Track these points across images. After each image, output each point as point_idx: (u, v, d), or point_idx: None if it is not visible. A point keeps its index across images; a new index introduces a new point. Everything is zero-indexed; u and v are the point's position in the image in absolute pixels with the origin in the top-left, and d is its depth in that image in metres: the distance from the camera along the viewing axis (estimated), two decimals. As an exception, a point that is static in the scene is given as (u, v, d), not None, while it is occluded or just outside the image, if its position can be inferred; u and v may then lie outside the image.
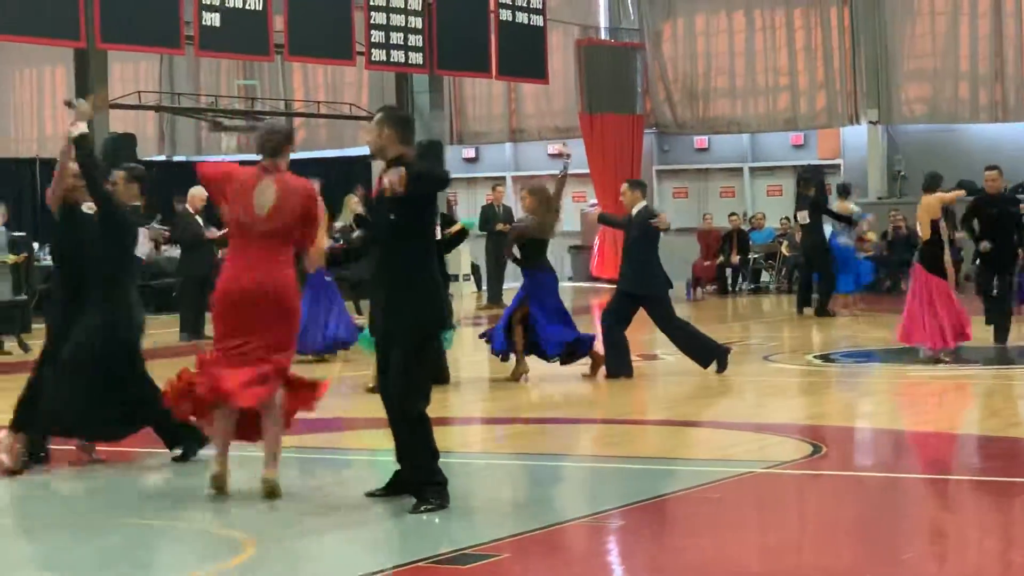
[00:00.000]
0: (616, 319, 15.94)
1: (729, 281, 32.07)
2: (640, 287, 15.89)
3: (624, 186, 16.39)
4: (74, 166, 10.73)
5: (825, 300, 24.17)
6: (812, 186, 25.05)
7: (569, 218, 36.65)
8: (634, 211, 15.99)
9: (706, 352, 15.96)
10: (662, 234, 16.25)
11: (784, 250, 31.27)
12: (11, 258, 20.52)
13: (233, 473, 11.42)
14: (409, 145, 9.07)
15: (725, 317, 26.24)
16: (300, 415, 10.04)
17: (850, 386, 16.22)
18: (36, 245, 28.37)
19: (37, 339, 22.62)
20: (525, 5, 31.93)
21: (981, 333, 18.20)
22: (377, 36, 28.93)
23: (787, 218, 31.74)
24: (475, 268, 32.47)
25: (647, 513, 9.18)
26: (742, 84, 34.94)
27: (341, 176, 27.46)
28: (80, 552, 8.76)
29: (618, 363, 15.76)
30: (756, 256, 32.21)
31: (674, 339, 16.09)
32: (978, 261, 19.14)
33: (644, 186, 16.55)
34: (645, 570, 7.89)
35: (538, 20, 32.46)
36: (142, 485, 11.16)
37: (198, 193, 22.62)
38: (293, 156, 9.37)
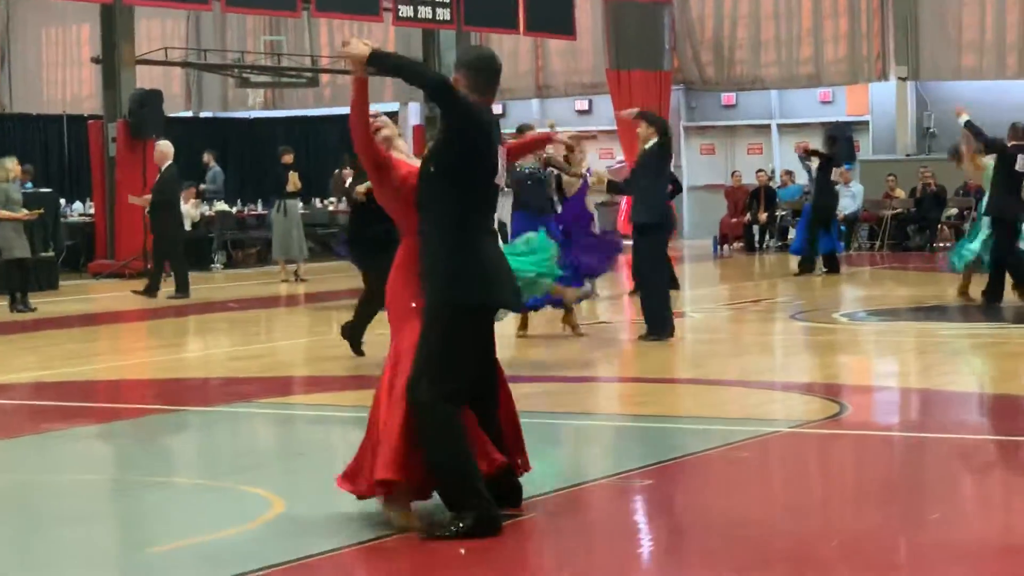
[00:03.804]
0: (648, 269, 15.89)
1: (756, 238, 31.99)
2: (637, 215, 15.74)
3: (643, 124, 16.08)
4: None
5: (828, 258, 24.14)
6: (835, 144, 24.96)
7: (596, 175, 36.58)
8: (647, 146, 15.76)
9: (656, 321, 15.48)
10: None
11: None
12: (24, 213, 20.44)
13: (264, 431, 11.47)
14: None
15: (752, 274, 26.19)
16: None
17: (877, 345, 16.17)
18: (63, 202, 28.48)
19: (64, 296, 22.77)
20: (553, -40, 31.83)
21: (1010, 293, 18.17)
22: (404, -8, 28.84)
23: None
24: (501, 225, 32.44)
25: (674, 472, 9.18)
26: (770, 41, 34.76)
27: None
28: (107, 510, 8.80)
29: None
30: (783, 213, 32.11)
31: (639, 285, 15.79)
32: None
33: (660, 123, 16.05)
34: (672, 530, 7.89)
35: (566, -25, 32.33)
36: (168, 443, 11.20)
37: (164, 148, 22.50)
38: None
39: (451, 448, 7.42)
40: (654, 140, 15.70)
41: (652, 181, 15.73)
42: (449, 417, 7.42)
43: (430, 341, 7.49)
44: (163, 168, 22.44)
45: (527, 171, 15.88)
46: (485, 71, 7.68)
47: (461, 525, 7.36)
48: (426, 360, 7.46)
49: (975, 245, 18.37)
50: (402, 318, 7.80)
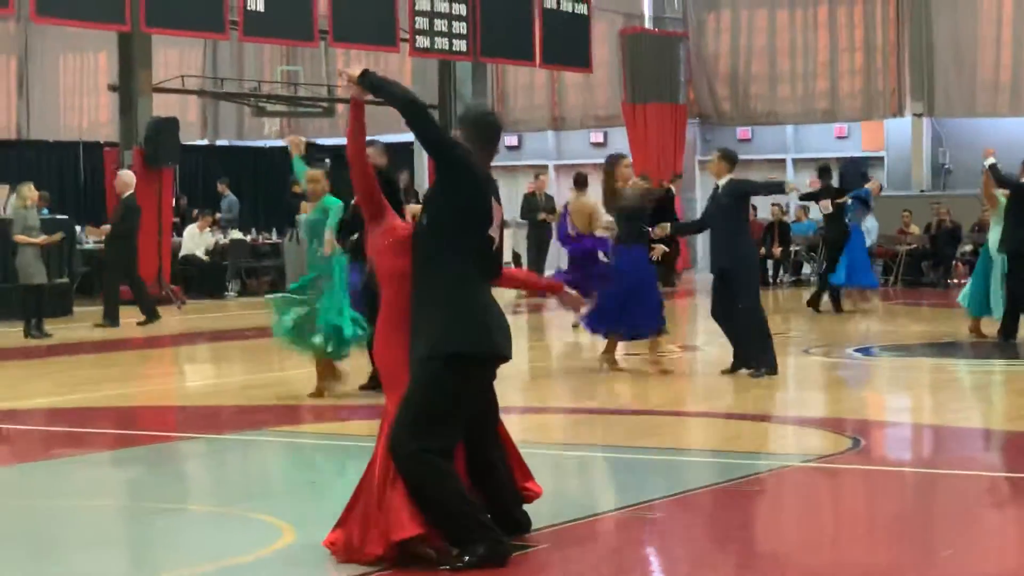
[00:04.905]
0: (723, 309, 15.35)
1: (770, 273, 31.97)
2: (726, 260, 15.15)
3: (715, 155, 15.58)
4: None
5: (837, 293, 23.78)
6: (829, 177, 24.76)
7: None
8: (722, 182, 15.45)
9: (762, 358, 15.03)
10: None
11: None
12: (43, 238, 20.52)
13: (276, 459, 11.47)
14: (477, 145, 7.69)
15: (766, 308, 26.12)
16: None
17: (890, 380, 16.15)
18: (79, 228, 28.53)
19: (79, 322, 22.79)
20: (569, -7, 31.93)
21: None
22: (421, 23, 28.94)
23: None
24: (516, 256, 32.49)
25: (685, 505, 9.17)
26: (785, 76, 34.83)
27: (383, 162, 27.49)
28: (120, 537, 8.80)
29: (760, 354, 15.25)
30: (797, 248, 32.10)
31: (745, 323, 15.19)
32: None
33: (734, 158, 15.57)
34: (683, 563, 7.88)
35: (582, 8, 32.41)
36: (180, 470, 11.21)
37: (126, 178, 22.61)
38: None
39: (445, 492, 7.34)
40: (728, 176, 15.32)
41: (735, 222, 15.26)
42: (435, 463, 7.33)
43: (419, 394, 7.37)
44: (124, 197, 22.50)
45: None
46: (483, 129, 7.68)
47: (468, 558, 7.34)
48: (414, 414, 7.34)
49: (997, 289, 18.36)
50: (394, 376, 7.64)
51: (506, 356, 7.61)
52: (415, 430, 7.30)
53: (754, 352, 15.12)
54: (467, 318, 7.41)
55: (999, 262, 18.44)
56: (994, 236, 18.62)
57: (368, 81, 7.66)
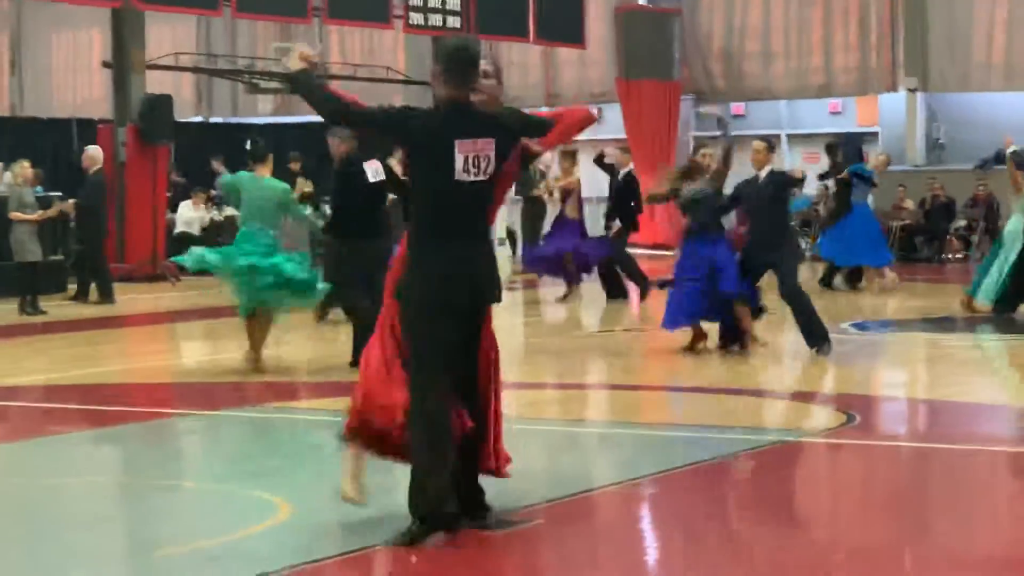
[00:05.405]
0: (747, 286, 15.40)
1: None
2: (776, 255, 15.12)
3: (762, 145, 15.62)
4: None
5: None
6: (837, 154, 24.65)
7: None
8: (763, 172, 15.45)
9: (815, 333, 15.03)
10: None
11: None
12: (37, 215, 20.48)
13: (271, 435, 11.49)
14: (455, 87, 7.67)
15: (760, 284, 26.13)
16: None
17: (886, 355, 16.16)
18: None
19: (75, 299, 22.75)
20: (564, -31, 31.88)
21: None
22: (415, -1, 28.91)
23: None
24: (511, 233, 32.47)
25: (680, 481, 9.18)
26: (779, 52, 34.77)
27: (376, 138, 27.45)
28: (116, 514, 8.81)
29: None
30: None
31: (791, 306, 15.25)
32: None
33: (774, 148, 15.89)
34: (678, 538, 7.89)
35: (577, -16, 32.38)
36: (176, 447, 11.22)
37: (93, 152, 22.46)
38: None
39: (426, 441, 7.44)
40: (769, 166, 15.34)
41: (783, 214, 15.43)
42: (439, 431, 7.45)
43: (408, 344, 7.63)
44: (91, 172, 22.41)
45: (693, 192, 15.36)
46: (454, 63, 7.63)
47: (413, 530, 7.40)
48: (412, 364, 7.58)
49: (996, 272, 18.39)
50: None
51: (463, 304, 7.59)
52: (417, 383, 7.50)
53: (812, 332, 15.02)
54: (421, 267, 7.54)
55: (1018, 247, 18.32)
56: (1014, 223, 18.56)
57: (296, 85, 7.71)
